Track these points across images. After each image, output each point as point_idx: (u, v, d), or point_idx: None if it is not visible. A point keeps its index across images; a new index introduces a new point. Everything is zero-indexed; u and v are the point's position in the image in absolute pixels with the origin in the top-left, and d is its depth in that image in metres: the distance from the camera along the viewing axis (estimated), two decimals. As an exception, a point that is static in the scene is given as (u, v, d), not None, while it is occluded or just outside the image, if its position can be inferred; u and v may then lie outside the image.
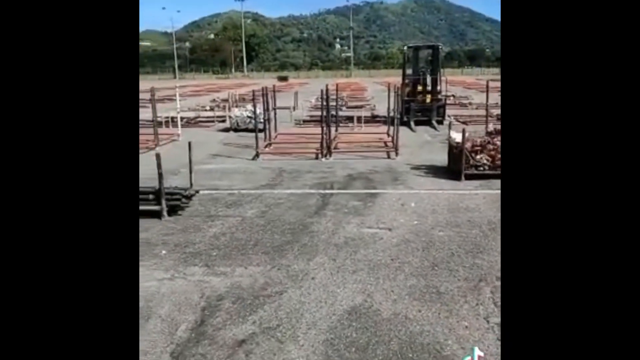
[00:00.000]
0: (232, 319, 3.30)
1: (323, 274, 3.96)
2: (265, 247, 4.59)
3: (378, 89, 30.72)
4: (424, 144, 10.35)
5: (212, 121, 14.42)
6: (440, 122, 12.88)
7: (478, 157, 6.85)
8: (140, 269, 4.08)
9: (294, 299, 3.55)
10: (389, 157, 8.89)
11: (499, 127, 8.95)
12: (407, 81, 13.04)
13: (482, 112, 16.41)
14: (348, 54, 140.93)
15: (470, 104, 17.98)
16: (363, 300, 3.52)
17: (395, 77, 51.60)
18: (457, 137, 7.31)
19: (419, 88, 12.88)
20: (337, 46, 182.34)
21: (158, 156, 5.33)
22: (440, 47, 13.25)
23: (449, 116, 13.65)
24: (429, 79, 13.03)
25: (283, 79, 54.14)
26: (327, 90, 8.98)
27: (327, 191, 6.54)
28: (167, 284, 3.84)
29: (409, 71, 13.38)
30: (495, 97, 17.36)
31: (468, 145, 6.94)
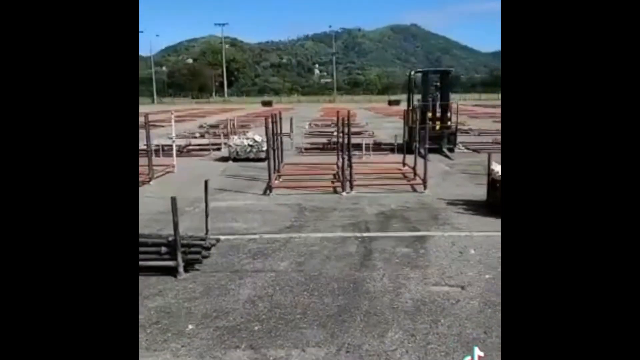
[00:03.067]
0: None
1: (409, 359, 3.05)
2: (318, 316, 3.65)
3: (368, 115, 30.33)
4: (445, 175, 9.61)
5: (207, 149, 13.44)
6: (451, 150, 12.23)
7: (529, 192, 6.09)
8: (166, 355, 3.11)
9: (386, 403, 2.62)
10: (414, 190, 8.08)
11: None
12: (415, 107, 12.39)
13: (487, 139, 15.94)
14: (327, 80, 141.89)
15: (470, 129, 17.50)
16: (480, 403, 2.61)
17: (379, 104, 51.43)
18: (500, 169, 6.55)
19: (429, 115, 12.22)
20: (316, 72, 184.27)
21: (174, 201, 4.37)
22: (450, 72, 12.69)
23: (458, 143, 13.06)
24: (438, 106, 12.41)
25: (267, 103, 53.57)
26: (348, 115, 8.19)
27: (364, 234, 5.65)
28: (207, 382, 2.85)
29: (417, 97, 12.76)
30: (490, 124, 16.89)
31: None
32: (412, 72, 12.99)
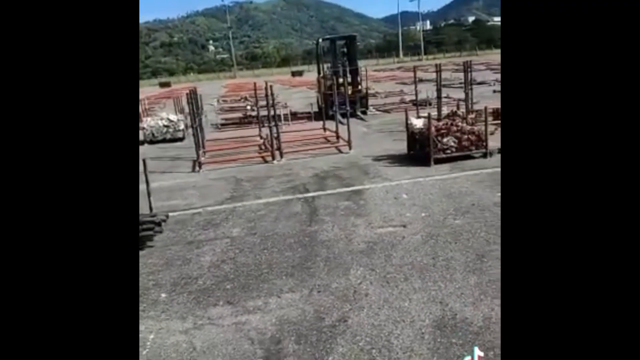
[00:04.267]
0: (310, 365, 2.65)
1: (375, 289, 3.44)
2: (284, 267, 3.92)
3: (275, 87, 30.15)
4: (364, 135, 10.16)
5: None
6: (364, 113, 12.85)
7: (445, 140, 6.77)
8: (149, 322, 3.22)
9: (365, 323, 3.00)
10: (340, 152, 8.52)
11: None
12: (326, 74, 12.75)
13: (394, 99, 16.89)
14: (224, 55, 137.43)
15: (377, 92, 18.36)
16: (441, 311, 3.08)
17: (282, 76, 51.03)
18: (417, 123, 7.17)
19: (340, 80, 12.68)
20: (211, 48, 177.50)
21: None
22: (356, 37, 13.16)
23: (369, 106, 13.72)
24: (348, 71, 12.87)
25: (165, 84, 50.97)
26: (270, 87, 8.31)
27: (305, 195, 5.95)
28: (198, 336, 3.02)
29: (327, 64, 13.12)
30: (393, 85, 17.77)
31: (432, 129, 6.82)
32: (320, 40, 13.28)
